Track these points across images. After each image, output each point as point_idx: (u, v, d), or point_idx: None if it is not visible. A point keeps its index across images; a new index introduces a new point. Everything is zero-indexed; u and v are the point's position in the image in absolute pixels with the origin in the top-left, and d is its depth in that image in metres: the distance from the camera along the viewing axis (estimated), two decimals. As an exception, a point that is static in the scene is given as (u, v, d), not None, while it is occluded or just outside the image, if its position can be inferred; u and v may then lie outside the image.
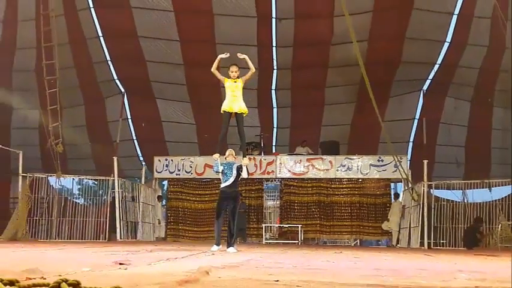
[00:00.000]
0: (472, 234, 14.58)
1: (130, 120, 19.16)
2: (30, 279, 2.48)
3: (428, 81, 17.57)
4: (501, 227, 13.99)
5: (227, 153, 9.51)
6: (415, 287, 2.85)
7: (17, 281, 1.25)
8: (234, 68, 8.95)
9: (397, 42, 16.05)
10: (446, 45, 16.25)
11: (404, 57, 16.38)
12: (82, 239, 15.27)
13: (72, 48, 16.85)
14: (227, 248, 8.84)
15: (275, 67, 17.62)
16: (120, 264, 4.41)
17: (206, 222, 18.12)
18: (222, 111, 8.97)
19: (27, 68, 16.85)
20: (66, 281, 1.23)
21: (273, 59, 17.28)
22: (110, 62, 17.59)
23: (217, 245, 9.01)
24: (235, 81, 8.90)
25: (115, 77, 18.07)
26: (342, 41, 15.53)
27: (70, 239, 15.33)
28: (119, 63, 17.64)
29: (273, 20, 16.19)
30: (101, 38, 16.90)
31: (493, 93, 16.82)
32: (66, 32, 16.23)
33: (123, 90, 18.41)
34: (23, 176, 14.98)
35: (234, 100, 8.89)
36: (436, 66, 16.97)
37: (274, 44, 16.88)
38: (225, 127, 9.11)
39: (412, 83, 17.36)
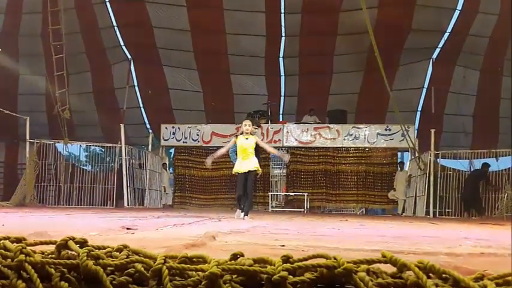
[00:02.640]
0: (473, 183, 14.65)
1: (137, 88, 19.10)
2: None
3: (438, 50, 17.34)
4: (507, 196, 14.03)
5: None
6: (420, 253, 2.86)
7: (24, 239, 1.25)
8: (247, 122, 8.63)
9: (408, 9, 15.79)
10: (457, 12, 15.97)
11: (414, 24, 16.13)
12: (90, 205, 15.44)
13: (79, 13, 16.69)
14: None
15: (283, 34, 17.41)
16: (128, 229, 4.45)
17: (213, 190, 18.27)
18: (234, 173, 8.80)
19: (33, 33, 16.74)
20: (73, 239, 1.23)
21: (281, 25, 17.06)
22: (116, 28, 17.45)
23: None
24: (247, 138, 8.52)
25: (121, 43, 17.94)
26: (351, 7, 15.29)
27: (78, 205, 15.51)
28: (126, 29, 17.49)
29: (282, -15, 15.97)
30: (107, 3, 16.73)
31: (503, 63, 16.60)
32: (72, -4, 16.09)
33: (129, 56, 18.30)
34: (30, 142, 15.07)
35: (245, 159, 8.54)
36: (446, 35, 16.73)
37: (282, 10, 16.65)
38: (239, 188, 8.67)
39: (421, 51, 17.13)
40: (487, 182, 14.92)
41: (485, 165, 14.98)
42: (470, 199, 14.78)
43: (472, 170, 15.64)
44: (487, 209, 14.85)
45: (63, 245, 1.25)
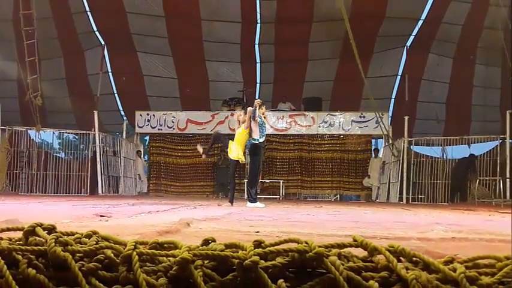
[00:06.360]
0: (463, 170, 14.82)
1: (110, 74, 18.82)
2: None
3: (412, 37, 17.48)
4: (478, 182, 14.31)
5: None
6: (392, 238, 2.90)
7: (-9, 226, 1.23)
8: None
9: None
10: (430, 0, 16.10)
11: (388, 12, 16.21)
12: (64, 193, 15.25)
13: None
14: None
15: (259, 21, 17.32)
16: (101, 216, 4.41)
17: (188, 177, 18.20)
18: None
19: (4, 17, 16.31)
20: (41, 225, 1.21)
21: (256, 12, 16.96)
22: (89, 13, 17.10)
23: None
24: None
25: (95, 28, 17.61)
26: (326, -6, 15.29)
27: (51, 192, 15.29)
28: (99, 14, 17.16)
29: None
30: (80, -12, 16.40)
31: (476, 51, 16.84)
32: (43, -20, 15.68)
33: (103, 42, 17.98)
34: (2, 128, 14.78)
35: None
36: (420, 22, 16.87)
37: (258, -4, 16.58)
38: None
39: (395, 38, 17.25)
40: (473, 171, 15.07)
41: (473, 155, 15.19)
42: (457, 186, 14.94)
43: (459, 158, 15.73)
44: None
45: (30, 232, 1.22)
